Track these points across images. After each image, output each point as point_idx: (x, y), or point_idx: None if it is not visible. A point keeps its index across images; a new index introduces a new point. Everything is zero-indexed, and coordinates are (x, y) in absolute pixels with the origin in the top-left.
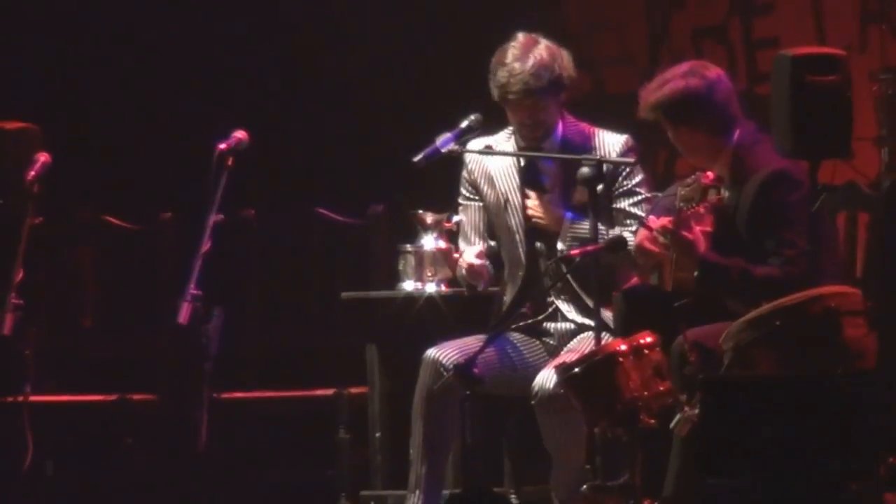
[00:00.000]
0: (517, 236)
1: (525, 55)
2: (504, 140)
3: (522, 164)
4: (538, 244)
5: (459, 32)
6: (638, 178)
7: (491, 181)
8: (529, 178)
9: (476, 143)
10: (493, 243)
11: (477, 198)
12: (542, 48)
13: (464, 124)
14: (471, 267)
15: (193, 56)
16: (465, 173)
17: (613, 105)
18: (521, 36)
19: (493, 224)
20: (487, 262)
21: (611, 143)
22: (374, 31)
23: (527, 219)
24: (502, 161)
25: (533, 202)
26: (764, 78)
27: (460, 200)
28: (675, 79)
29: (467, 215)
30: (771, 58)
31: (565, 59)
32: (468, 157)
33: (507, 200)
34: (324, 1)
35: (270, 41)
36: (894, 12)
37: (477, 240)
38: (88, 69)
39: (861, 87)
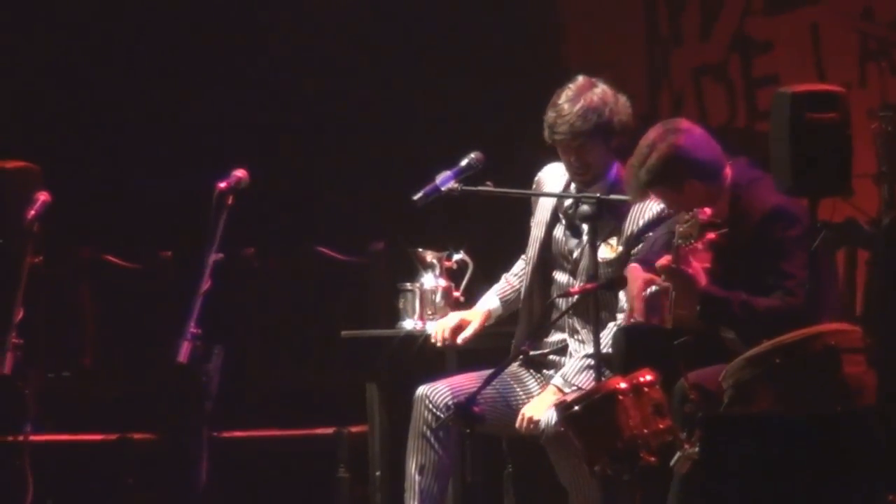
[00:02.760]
0: (528, 268)
1: (577, 97)
2: (560, 174)
3: (566, 203)
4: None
5: (460, 71)
6: None
7: (539, 209)
8: (567, 221)
9: (551, 170)
10: None
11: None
12: (597, 92)
13: (463, 163)
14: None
15: (193, 94)
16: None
17: None
18: (580, 78)
19: None
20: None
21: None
22: (375, 70)
23: (540, 252)
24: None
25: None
26: (764, 115)
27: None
28: (653, 149)
29: (531, 235)
30: (771, 95)
31: (620, 104)
32: (542, 182)
33: (534, 230)
34: (325, 40)
35: (270, 80)
36: (894, 49)
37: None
38: (88, 108)
39: (861, 124)
